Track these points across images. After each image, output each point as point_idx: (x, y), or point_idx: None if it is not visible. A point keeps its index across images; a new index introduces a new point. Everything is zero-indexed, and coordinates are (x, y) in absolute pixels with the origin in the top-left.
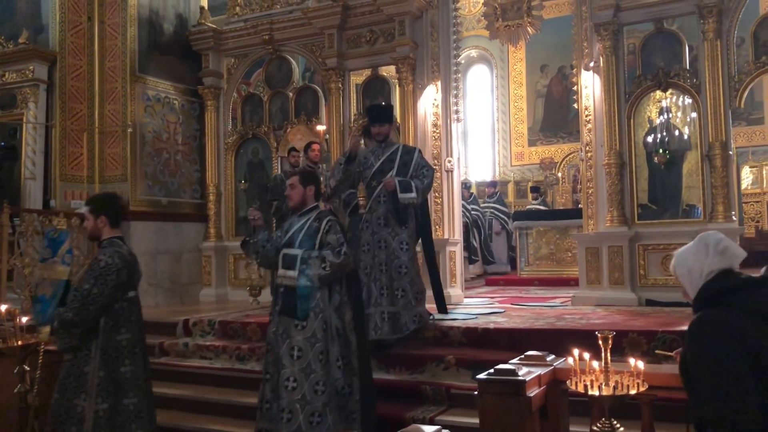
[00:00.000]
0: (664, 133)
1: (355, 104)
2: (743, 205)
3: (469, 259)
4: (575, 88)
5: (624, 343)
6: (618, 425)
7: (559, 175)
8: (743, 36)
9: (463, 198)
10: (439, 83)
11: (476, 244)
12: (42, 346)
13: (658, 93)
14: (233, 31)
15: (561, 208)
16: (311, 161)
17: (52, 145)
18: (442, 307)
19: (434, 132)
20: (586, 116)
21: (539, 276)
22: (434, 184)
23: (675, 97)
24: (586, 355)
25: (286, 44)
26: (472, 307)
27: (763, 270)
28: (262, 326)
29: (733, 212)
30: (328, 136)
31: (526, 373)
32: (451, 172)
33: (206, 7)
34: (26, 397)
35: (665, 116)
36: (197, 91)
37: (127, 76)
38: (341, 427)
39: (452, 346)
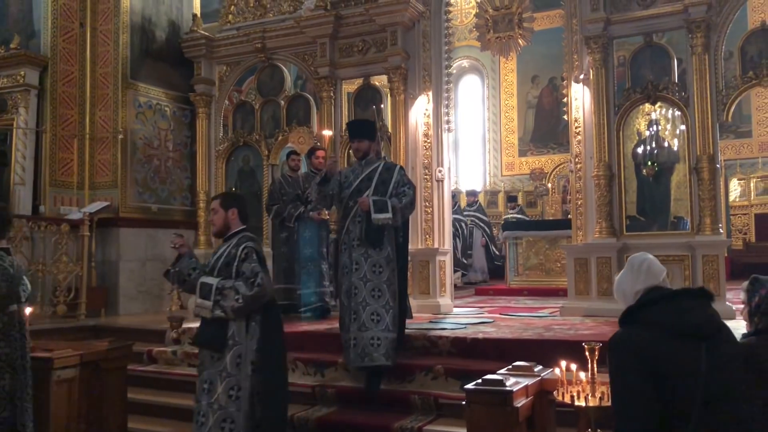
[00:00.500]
0: (653, 146)
1: (346, 113)
2: (731, 217)
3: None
4: (565, 99)
5: None
6: None
7: (549, 185)
8: (731, 50)
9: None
10: (430, 93)
11: (458, 254)
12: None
13: (647, 106)
14: (226, 38)
15: (551, 218)
16: (315, 168)
17: (43, 150)
18: (400, 340)
19: (425, 142)
20: (576, 128)
21: (528, 286)
22: (424, 194)
23: (664, 110)
24: (573, 366)
25: (278, 52)
26: (461, 316)
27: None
28: None
29: (721, 225)
30: (319, 144)
31: (513, 383)
32: (442, 181)
33: (199, 15)
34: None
35: (654, 129)
36: (189, 98)
37: (119, 82)
38: None
39: (441, 356)
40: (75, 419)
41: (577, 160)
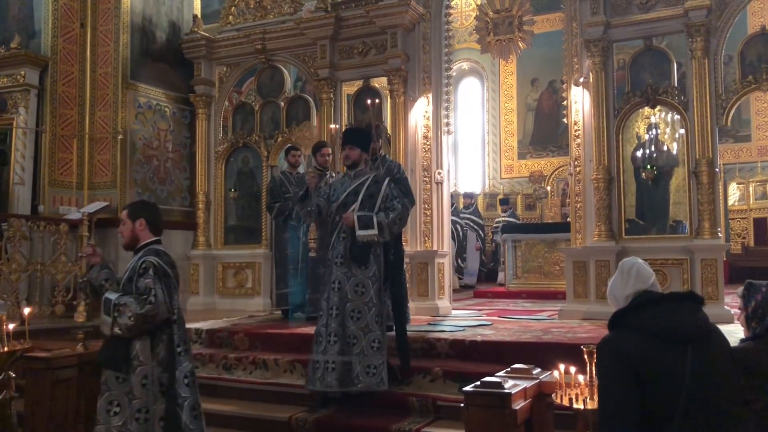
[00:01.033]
0: (652, 149)
1: (346, 115)
2: (730, 221)
3: None
4: (565, 102)
5: None
6: None
7: (548, 188)
8: (731, 54)
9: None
10: (430, 95)
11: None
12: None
13: (647, 109)
14: (226, 39)
15: (550, 221)
16: (321, 166)
17: (42, 150)
18: (405, 367)
19: (425, 144)
20: (576, 131)
21: (527, 289)
22: (424, 196)
23: (663, 114)
24: (572, 369)
25: (278, 54)
26: (459, 319)
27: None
28: (249, 335)
29: (719, 229)
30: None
31: (512, 386)
32: (441, 184)
33: (199, 16)
34: (11, 404)
35: (653, 132)
36: (189, 99)
37: (119, 82)
38: None
39: (439, 358)
40: (73, 419)
41: (576, 163)
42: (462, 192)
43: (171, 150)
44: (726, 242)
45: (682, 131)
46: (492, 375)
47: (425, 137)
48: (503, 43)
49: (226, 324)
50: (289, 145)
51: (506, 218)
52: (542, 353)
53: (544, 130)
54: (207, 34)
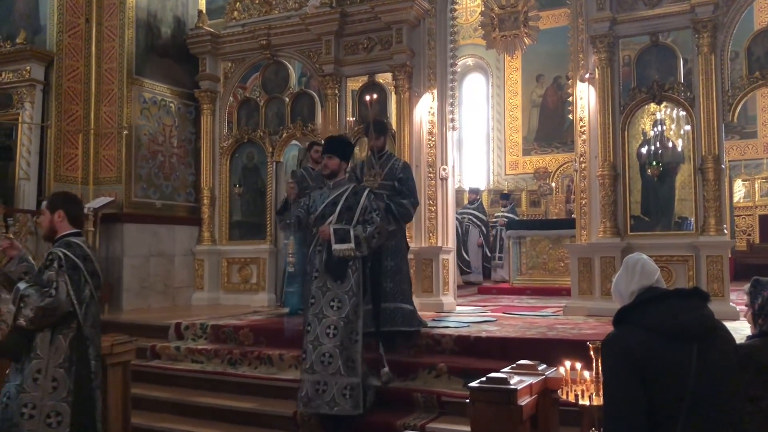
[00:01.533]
0: (658, 146)
1: (351, 111)
2: (735, 218)
3: None
4: (570, 98)
5: None
6: None
7: (553, 185)
8: (737, 50)
9: None
10: (435, 91)
11: None
12: None
13: (653, 105)
14: (231, 35)
15: (554, 218)
16: (314, 162)
17: (47, 145)
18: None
19: (430, 140)
20: (581, 127)
21: (531, 285)
22: (428, 192)
23: (669, 110)
24: (578, 365)
25: (283, 49)
26: (464, 315)
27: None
28: (254, 330)
29: (725, 225)
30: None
31: (517, 382)
32: (446, 180)
33: (204, 11)
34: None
35: (659, 129)
36: (194, 95)
37: (124, 78)
38: None
39: (444, 354)
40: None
41: (581, 159)
42: (467, 188)
43: (176, 145)
44: (731, 239)
45: (688, 128)
46: (497, 371)
47: (430, 133)
48: (508, 39)
49: (231, 319)
50: (311, 140)
51: (506, 213)
52: (547, 349)
53: (549, 126)
54: (212, 30)
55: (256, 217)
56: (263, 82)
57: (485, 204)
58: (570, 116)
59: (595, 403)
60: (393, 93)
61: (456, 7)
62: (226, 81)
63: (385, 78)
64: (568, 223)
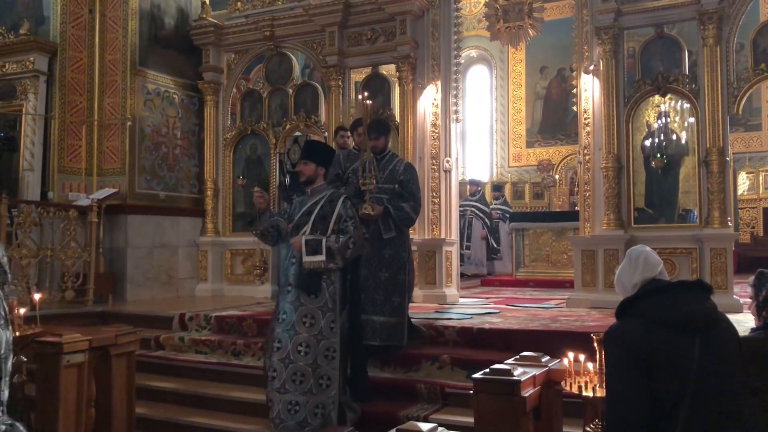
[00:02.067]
0: (662, 138)
1: (354, 103)
2: (739, 210)
3: None
4: (574, 90)
5: None
6: None
7: (557, 177)
8: (743, 42)
9: None
10: (439, 83)
11: None
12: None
13: (657, 97)
14: (234, 26)
15: (558, 210)
16: (340, 147)
17: (51, 137)
18: (357, 394)
19: (433, 132)
20: (585, 119)
21: (534, 278)
22: (432, 184)
23: (673, 102)
24: (581, 357)
25: (286, 41)
26: (467, 307)
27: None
28: (258, 322)
29: (729, 218)
30: (326, 133)
31: (521, 373)
32: (449, 172)
33: (207, 2)
34: (23, 388)
35: (663, 121)
36: (197, 86)
37: (128, 69)
38: None
39: (447, 346)
40: (84, 404)
41: (585, 151)
42: (468, 179)
43: (179, 137)
44: (735, 232)
45: (693, 120)
46: (500, 362)
47: (434, 125)
48: (513, 30)
49: (234, 310)
50: (337, 126)
51: (498, 206)
52: (550, 341)
53: (553, 118)
54: (215, 21)
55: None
56: (266, 73)
57: (488, 197)
58: (574, 108)
59: (598, 394)
60: (396, 85)
61: None
62: (230, 72)
63: (388, 69)
64: (572, 216)
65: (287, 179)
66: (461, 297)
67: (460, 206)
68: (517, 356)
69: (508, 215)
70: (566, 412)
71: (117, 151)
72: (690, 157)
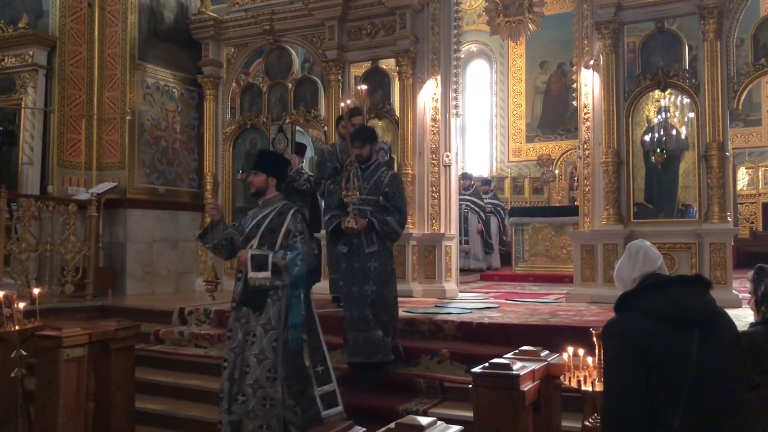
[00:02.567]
0: (662, 133)
1: (351, 96)
2: (738, 206)
3: None
4: (574, 85)
5: None
6: None
7: (557, 172)
8: (743, 37)
9: None
10: (438, 77)
11: None
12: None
13: (657, 92)
14: (234, 20)
15: (557, 205)
16: (342, 137)
17: (51, 130)
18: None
19: (433, 126)
20: (585, 114)
21: (534, 272)
22: (431, 179)
23: (673, 97)
24: (580, 351)
25: (286, 35)
26: (466, 301)
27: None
28: None
29: (728, 213)
30: (326, 128)
31: (520, 367)
32: (449, 166)
33: None
34: (22, 382)
35: (663, 116)
36: (196, 80)
37: (127, 63)
38: None
39: (446, 340)
40: (84, 397)
41: (585, 146)
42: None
43: (179, 131)
44: (735, 227)
45: (693, 115)
46: (499, 357)
47: (433, 119)
48: (513, 25)
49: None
50: (339, 115)
51: (489, 200)
52: (549, 336)
53: (553, 113)
54: (215, 15)
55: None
56: (266, 67)
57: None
58: (574, 103)
59: (597, 389)
60: (396, 79)
61: None
62: (229, 66)
63: (388, 64)
64: (571, 210)
65: None
66: (461, 292)
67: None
68: (517, 351)
69: (500, 208)
70: (565, 406)
71: (116, 146)
72: (690, 152)
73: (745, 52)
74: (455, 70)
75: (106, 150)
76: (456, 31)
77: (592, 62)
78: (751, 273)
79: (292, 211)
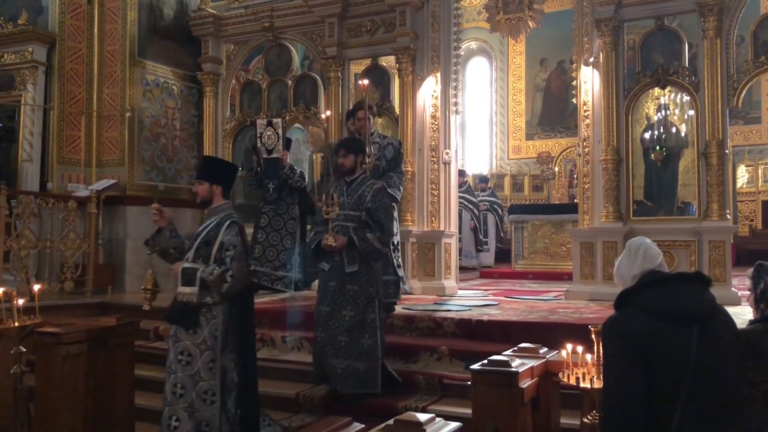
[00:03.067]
0: (662, 130)
1: (354, 94)
2: (738, 203)
3: None
4: (574, 83)
5: None
6: None
7: (556, 169)
8: (743, 35)
9: None
10: (438, 75)
11: None
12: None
13: (657, 90)
14: (233, 17)
15: (557, 202)
16: (358, 131)
17: (50, 127)
18: None
19: (433, 123)
20: (585, 111)
21: (533, 270)
22: (431, 176)
23: (673, 95)
24: (579, 348)
25: (286, 32)
26: (466, 298)
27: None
28: (257, 313)
29: (728, 211)
30: (326, 125)
31: (519, 364)
32: (449, 164)
33: None
34: (22, 379)
35: (663, 113)
36: (196, 77)
37: (127, 60)
38: None
39: (446, 337)
40: (83, 394)
41: (585, 143)
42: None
43: (178, 128)
44: (734, 224)
45: (692, 112)
46: (499, 354)
47: (433, 117)
48: (513, 22)
49: None
50: (348, 111)
51: (486, 198)
52: (549, 333)
53: (553, 110)
54: (214, 12)
55: (258, 200)
56: (266, 64)
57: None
58: (574, 100)
59: (596, 386)
60: (396, 76)
61: None
62: (229, 63)
63: (388, 61)
64: (571, 208)
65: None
66: (460, 289)
67: None
68: (516, 348)
69: (496, 206)
70: (564, 403)
71: (116, 142)
72: (689, 149)
73: (745, 50)
74: (455, 68)
75: (105, 147)
76: (456, 29)
77: (592, 60)
78: (750, 270)
79: (227, 223)
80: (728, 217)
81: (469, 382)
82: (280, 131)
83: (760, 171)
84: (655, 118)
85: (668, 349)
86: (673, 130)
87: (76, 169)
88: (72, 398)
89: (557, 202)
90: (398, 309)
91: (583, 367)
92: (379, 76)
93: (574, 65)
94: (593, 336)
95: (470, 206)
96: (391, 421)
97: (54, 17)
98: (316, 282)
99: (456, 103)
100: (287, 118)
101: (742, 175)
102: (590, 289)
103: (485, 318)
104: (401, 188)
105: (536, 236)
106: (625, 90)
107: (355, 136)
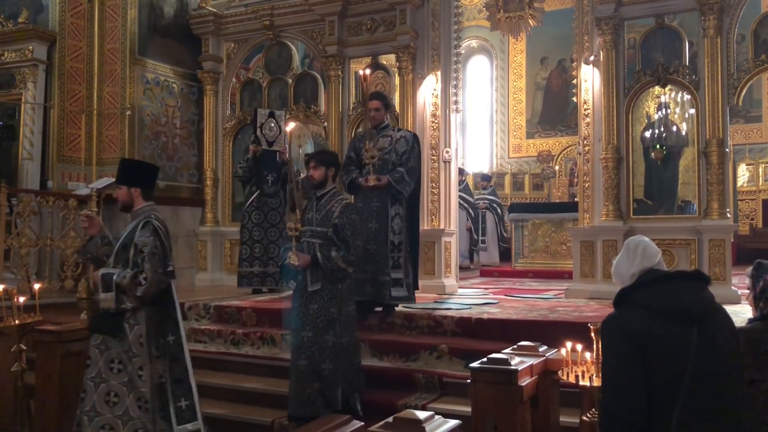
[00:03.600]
0: (662, 129)
1: (354, 92)
2: (738, 202)
3: None
4: (574, 81)
5: None
6: None
7: (557, 168)
8: (744, 33)
9: None
10: (439, 73)
11: None
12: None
13: (657, 88)
14: (234, 15)
15: (557, 201)
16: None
17: (50, 126)
18: None
19: (433, 122)
20: (585, 110)
21: (533, 268)
22: (431, 175)
23: (674, 93)
24: (578, 347)
25: (286, 30)
26: (466, 297)
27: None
28: (257, 311)
29: (728, 209)
30: (326, 124)
31: (518, 362)
32: (449, 162)
33: None
34: (22, 376)
35: (663, 112)
36: (196, 76)
37: (127, 58)
38: None
39: (446, 335)
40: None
41: (585, 142)
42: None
43: (179, 126)
44: (734, 223)
45: (693, 111)
46: (498, 352)
47: (433, 115)
48: (513, 21)
49: (234, 300)
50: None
51: (486, 196)
52: (548, 331)
53: (553, 109)
54: (215, 10)
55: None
56: (266, 63)
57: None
58: (574, 99)
59: (595, 384)
60: (396, 75)
61: None
62: (229, 62)
63: (388, 59)
64: (570, 207)
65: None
66: (460, 287)
67: None
68: (515, 346)
69: (496, 205)
70: (563, 401)
71: (116, 141)
72: (690, 148)
73: (745, 49)
74: (455, 66)
75: (105, 145)
76: (456, 27)
77: (592, 58)
78: (749, 269)
79: (141, 224)
80: (728, 215)
81: (469, 380)
82: (282, 124)
83: (760, 170)
84: (656, 116)
85: (667, 347)
86: (674, 128)
87: (76, 167)
88: (72, 396)
89: (557, 201)
90: (398, 307)
91: (582, 365)
92: (379, 75)
93: (575, 64)
94: (593, 334)
95: (466, 206)
96: (390, 419)
97: (54, 15)
98: None
99: (456, 102)
100: (287, 116)
101: (743, 173)
102: (590, 288)
103: (485, 316)
104: (411, 183)
105: (536, 235)
106: (626, 88)
107: (327, 149)
